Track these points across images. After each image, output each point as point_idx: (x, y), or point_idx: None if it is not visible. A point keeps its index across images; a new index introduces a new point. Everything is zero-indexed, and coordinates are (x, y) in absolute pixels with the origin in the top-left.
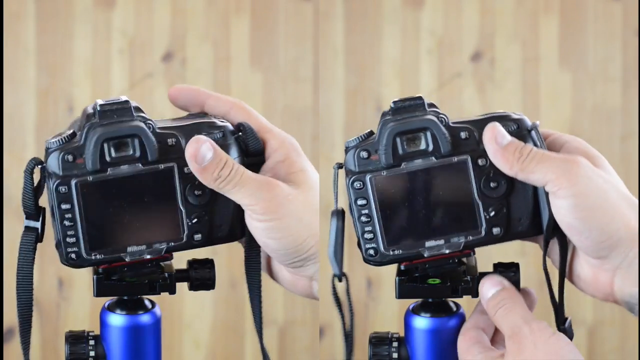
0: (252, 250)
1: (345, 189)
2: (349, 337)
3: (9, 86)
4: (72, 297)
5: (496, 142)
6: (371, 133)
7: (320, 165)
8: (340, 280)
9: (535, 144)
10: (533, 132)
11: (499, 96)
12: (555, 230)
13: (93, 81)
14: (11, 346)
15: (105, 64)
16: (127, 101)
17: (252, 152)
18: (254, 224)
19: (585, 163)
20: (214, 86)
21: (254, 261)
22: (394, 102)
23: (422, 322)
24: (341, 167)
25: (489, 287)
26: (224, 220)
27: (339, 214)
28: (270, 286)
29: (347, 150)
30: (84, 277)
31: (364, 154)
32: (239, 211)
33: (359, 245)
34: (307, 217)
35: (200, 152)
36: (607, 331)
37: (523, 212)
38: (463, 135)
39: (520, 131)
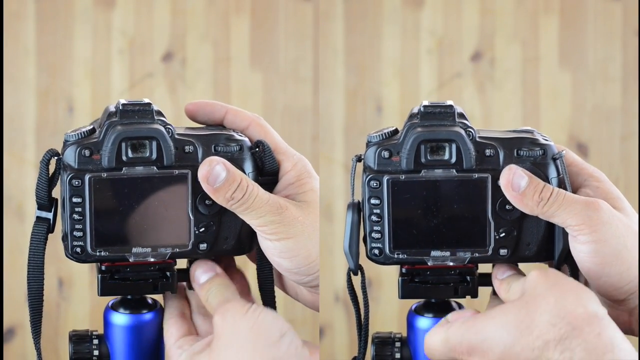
0: (265, 266)
1: (361, 183)
2: (362, 331)
3: (9, 86)
4: (72, 297)
5: (513, 188)
6: (395, 131)
7: (320, 165)
8: (355, 274)
9: (558, 174)
10: (558, 162)
11: (499, 96)
12: (566, 259)
13: (93, 81)
14: (11, 346)
15: (105, 64)
16: (149, 104)
17: (267, 171)
18: (266, 244)
19: (606, 208)
20: (214, 86)
21: (267, 278)
22: (424, 107)
23: (424, 323)
24: (360, 160)
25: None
26: (231, 234)
27: (355, 207)
28: None
29: (368, 145)
30: (84, 276)
31: (386, 154)
32: (247, 226)
33: (364, 241)
34: (316, 236)
35: (213, 173)
36: None
37: (533, 238)
38: (488, 152)
39: (545, 158)
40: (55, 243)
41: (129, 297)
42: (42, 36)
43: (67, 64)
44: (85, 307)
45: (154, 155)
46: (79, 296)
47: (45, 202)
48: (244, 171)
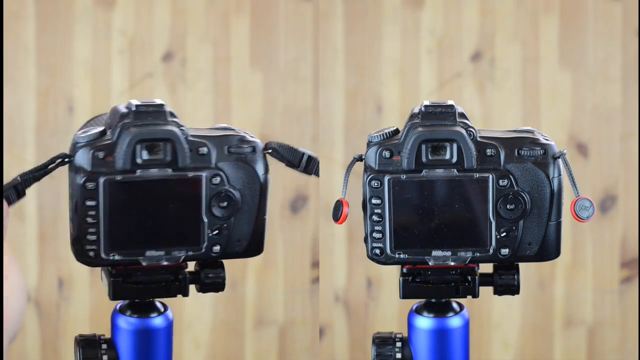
0: None
1: (362, 183)
2: None
3: (9, 86)
4: (72, 297)
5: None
6: (396, 131)
7: (320, 165)
8: None
9: (559, 173)
10: (559, 160)
11: (499, 96)
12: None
13: (93, 81)
14: (11, 346)
15: (105, 64)
16: (162, 105)
17: (294, 163)
18: None
19: None
20: (214, 86)
21: None
22: (425, 106)
23: (425, 322)
24: (360, 160)
25: None
26: (243, 236)
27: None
28: (270, 286)
29: (369, 144)
30: (84, 277)
31: (387, 154)
32: (259, 229)
33: (365, 241)
34: None
35: None
36: (607, 331)
37: (534, 238)
38: (489, 152)
39: (546, 158)
40: (55, 243)
41: (137, 300)
42: (42, 36)
43: (67, 64)
44: (85, 307)
45: (169, 157)
46: (79, 296)
47: (22, 189)
48: (256, 172)
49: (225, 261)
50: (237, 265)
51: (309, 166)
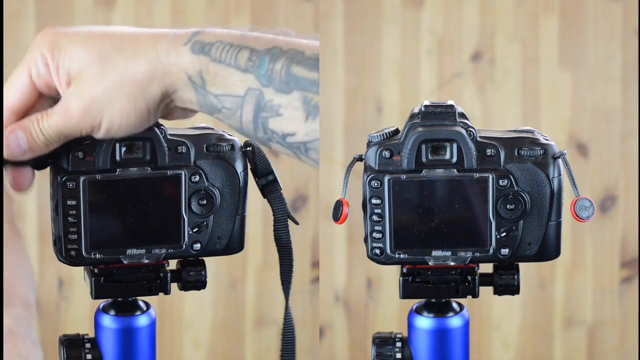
0: (286, 259)
1: (362, 183)
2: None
3: None
4: (72, 297)
5: None
6: (396, 131)
7: (320, 165)
8: None
9: (559, 173)
10: (559, 160)
11: (499, 96)
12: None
13: None
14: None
15: None
16: None
17: (261, 172)
18: None
19: None
20: None
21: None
22: (425, 106)
23: (425, 322)
24: (360, 160)
25: None
26: (223, 233)
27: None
28: (270, 286)
29: (369, 144)
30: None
31: (387, 154)
32: (239, 226)
33: (365, 241)
34: None
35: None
36: (607, 331)
37: (534, 238)
38: (489, 152)
39: (546, 158)
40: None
41: (120, 299)
42: None
43: None
44: (85, 307)
45: (148, 156)
46: (79, 296)
47: None
48: (235, 170)
49: (225, 261)
50: (237, 265)
51: (268, 188)
